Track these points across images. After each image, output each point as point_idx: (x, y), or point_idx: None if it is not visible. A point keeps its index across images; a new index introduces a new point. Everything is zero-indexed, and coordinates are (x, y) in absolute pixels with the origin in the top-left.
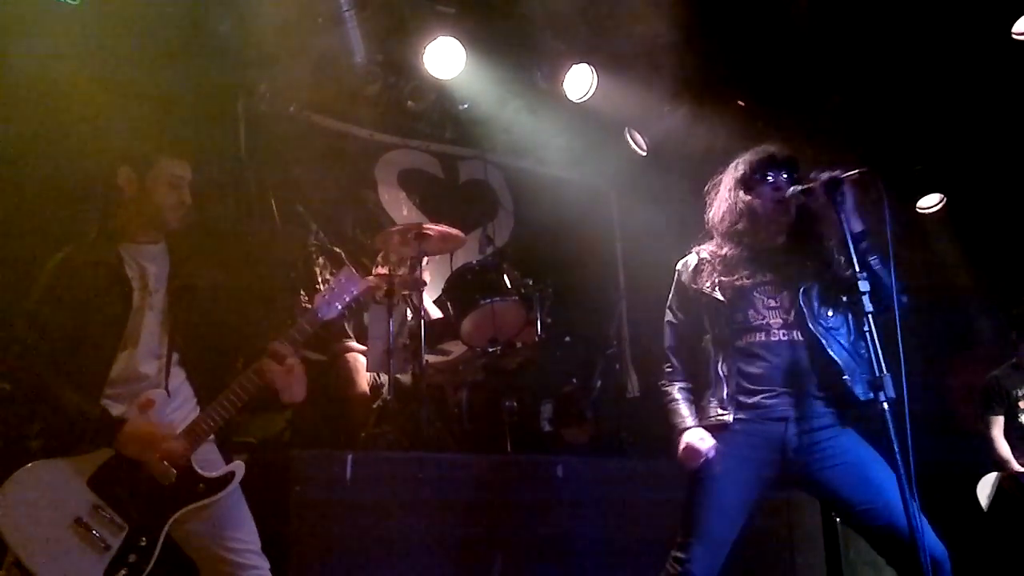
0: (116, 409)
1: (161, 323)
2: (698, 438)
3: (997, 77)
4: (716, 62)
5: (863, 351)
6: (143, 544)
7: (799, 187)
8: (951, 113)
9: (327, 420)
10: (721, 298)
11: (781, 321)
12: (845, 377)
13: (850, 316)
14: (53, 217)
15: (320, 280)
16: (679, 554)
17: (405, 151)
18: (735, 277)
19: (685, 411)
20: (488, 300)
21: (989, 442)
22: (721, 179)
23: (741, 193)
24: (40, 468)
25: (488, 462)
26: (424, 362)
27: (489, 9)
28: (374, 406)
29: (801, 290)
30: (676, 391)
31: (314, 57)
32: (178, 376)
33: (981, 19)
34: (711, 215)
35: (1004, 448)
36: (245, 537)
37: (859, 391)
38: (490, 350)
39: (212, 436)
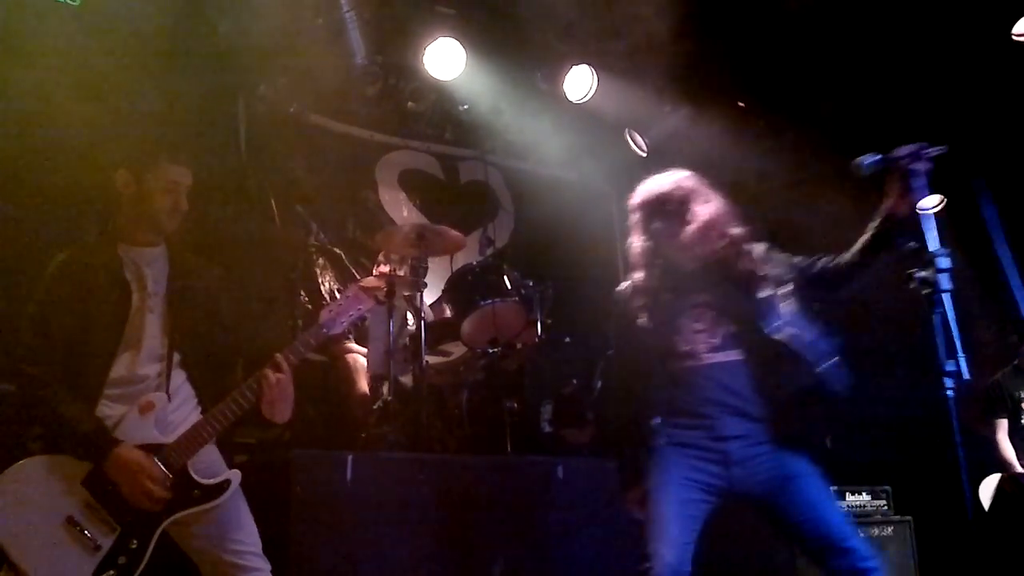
0: (116, 410)
1: (162, 325)
2: (639, 500)
3: (997, 78)
4: (716, 63)
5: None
6: (134, 546)
7: (873, 161)
8: (951, 114)
9: (327, 421)
10: (651, 325)
11: (707, 345)
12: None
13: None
14: (53, 219)
15: (320, 280)
16: (644, 564)
17: (405, 152)
18: (661, 304)
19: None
20: (488, 301)
21: (993, 444)
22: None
23: (645, 239)
24: (35, 464)
25: (488, 463)
26: (424, 363)
27: (489, 10)
28: (374, 407)
29: (727, 310)
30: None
31: (314, 58)
32: (179, 377)
33: (981, 20)
34: (629, 246)
35: (1008, 450)
36: (246, 539)
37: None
38: (490, 351)
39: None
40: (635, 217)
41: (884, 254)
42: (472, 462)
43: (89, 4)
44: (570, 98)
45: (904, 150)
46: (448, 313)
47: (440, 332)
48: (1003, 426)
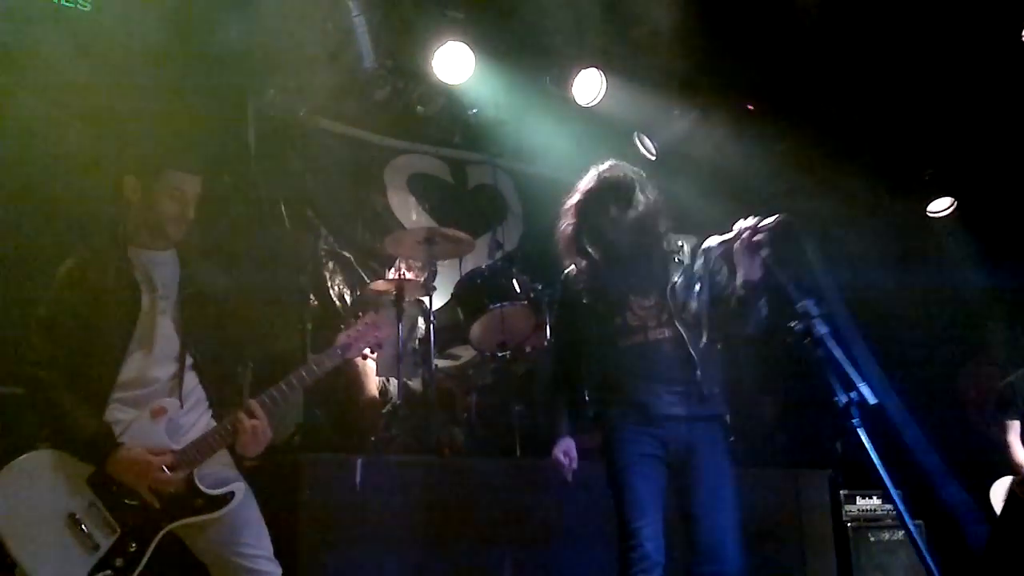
0: (128, 414)
1: (175, 327)
2: (563, 451)
3: (1007, 81)
4: (725, 66)
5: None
6: (132, 550)
7: (719, 242)
8: (962, 117)
9: (337, 424)
10: (591, 315)
11: (656, 320)
12: (698, 372)
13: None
14: (63, 224)
15: (329, 284)
16: (629, 541)
17: (414, 156)
18: (603, 289)
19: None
20: (497, 305)
21: (1004, 447)
22: (571, 197)
23: (583, 229)
24: (42, 458)
25: (498, 466)
26: (434, 366)
27: (498, 14)
28: (383, 410)
29: (668, 289)
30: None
31: (324, 62)
32: (191, 380)
33: (991, 23)
34: (560, 230)
35: (1020, 453)
36: (257, 543)
37: (706, 391)
38: (499, 354)
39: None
40: (580, 199)
41: (749, 317)
42: (481, 465)
43: (98, 10)
44: (579, 102)
45: (741, 225)
46: (457, 317)
47: (449, 336)
48: (1015, 428)
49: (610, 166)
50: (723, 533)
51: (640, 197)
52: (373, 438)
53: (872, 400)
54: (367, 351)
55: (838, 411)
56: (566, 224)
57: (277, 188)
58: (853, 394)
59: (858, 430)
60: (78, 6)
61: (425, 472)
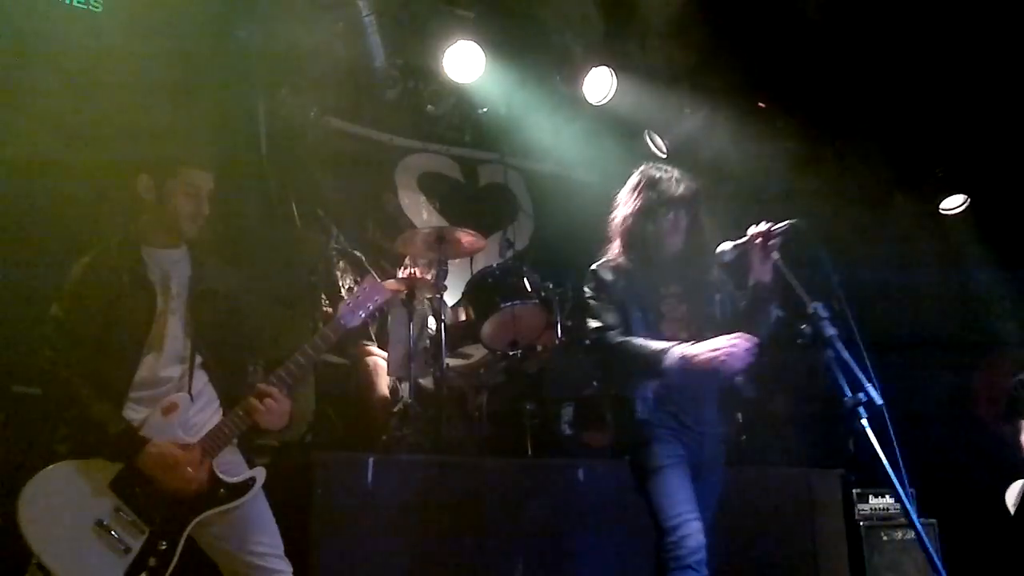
0: (140, 413)
1: (184, 327)
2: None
3: (1021, 74)
4: (736, 64)
5: None
6: (163, 548)
7: (732, 246)
8: (974, 112)
9: (348, 423)
10: (634, 309)
11: (688, 334)
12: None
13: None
14: (78, 223)
15: (341, 283)
16: (670, 538)
17: (425, 155)
18: (644, 288)
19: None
20: (508, 303)
21: (1017, 448)
22: (635, 184)
23: (655, 217)
24: (63, 469)
25: (509, 465)
26: (445, 365)
27: (508, 13)
28: (394, 409)
29: (703, 301)
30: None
31: (334, 62)
32: (201, 379)
33: (1005, 17)
34: (614, 221)
35: None
36: (268, 541)
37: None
38: (510, 353)
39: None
40: (651, 195)
41: (761, 320)
42: (492, 464)
43: (110, 11)
44: (589, 100)
45: (754, 230)
46: (468, 315)
47: (460, 335)
48: None
49: (684, 175)
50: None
51: (702, 214)
52: (384, 437)
53: (879, 401)
54: (367, 317)
55: (846, 411)
56: (627, 215)
57: (288, 187)
58: (861, 394)
59: (866, 430)
60: (90, 7)
61: (436, 471)
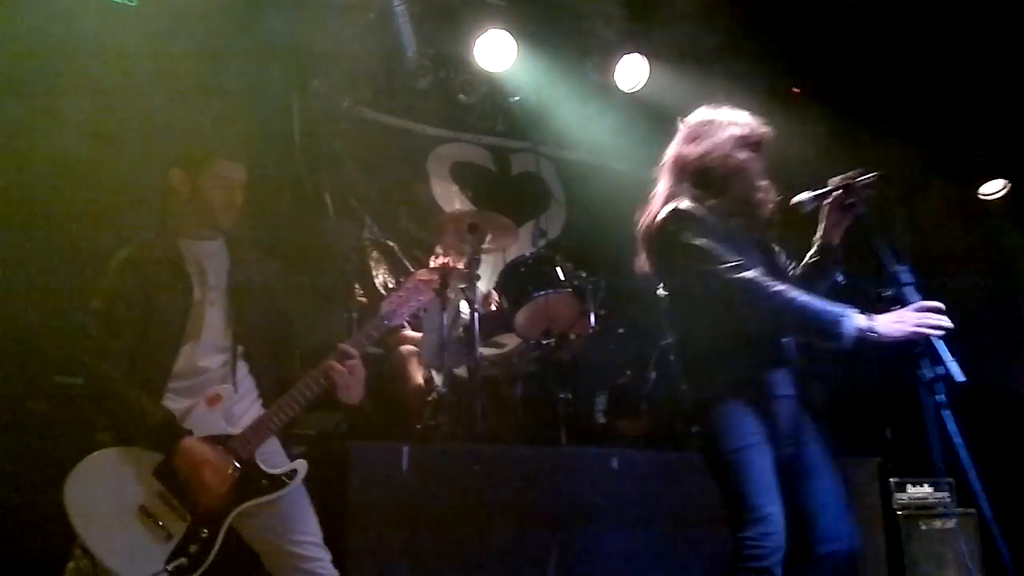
0: (181, 403)
1: (224, 317)
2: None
3: None
4: (770, 50)
5: None
6: (204, 535)
7: (812, 196)
8: (1016, 94)
9: (383, 413)
10: (749, 251)
11: None
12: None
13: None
14: (116, 216)
15: (374, 273)
16: (750, 532)
17: (457, 144)
18: (734, 234)
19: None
20: (542, 292)
21: None
22: (716, 120)
23: (741, 154)
24: (109, 455)
25: (543, 454)
26: (478, 355)
27: (540, 1)
28: (429, 399)
29: (774, 253)
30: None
31: (366, 53)
32: (242, 369)
33: None
34: (695, 151)
35: None
36: (307, 529)
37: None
38: (544, 342)
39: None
40: (764, 131)
41: (821, 283)
42: (526, 453)
43: (144, 5)
44: (622, 87)
45: (837, 181)
46: (501, 305)
47: (494, 324)
48: None
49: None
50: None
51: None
52: (419, 426)
53: (960, 378)
54: (409, 316)
55: (922, 384)
56: (713, 149)
57: (322, 178)
58: (940, 369)
59: (941, 408)
60: (126, 1)
61: (471, 460)
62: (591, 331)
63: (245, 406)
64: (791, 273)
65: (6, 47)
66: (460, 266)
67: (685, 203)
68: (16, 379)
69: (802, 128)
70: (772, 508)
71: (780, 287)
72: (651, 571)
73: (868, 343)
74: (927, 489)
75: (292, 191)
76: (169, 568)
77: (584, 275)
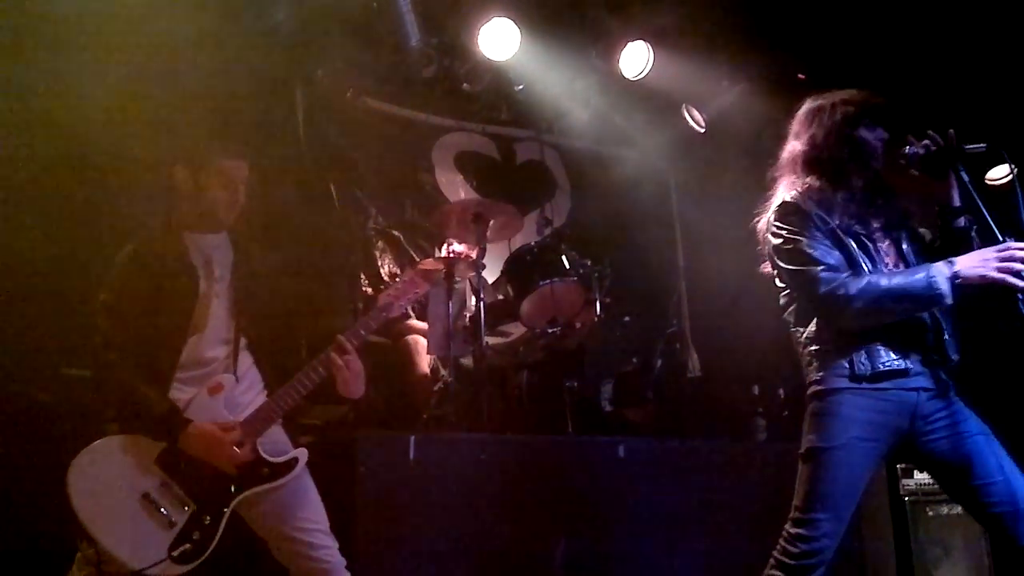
0: (186, 393)
1: (228, 309)
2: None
3: None
4: (775, 35)
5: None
6: (207, 522)
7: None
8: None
9: (389, 402)
10: (851, 244)
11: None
12: (946, 337)
13: None
14: (123, 212)
15: (379, 263)
16: (802, 530)
17: (461, 133)
18: (852, 220)
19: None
20: (547, 281)
21: None
22: (823, 105)
23: (858, 130)
24: (111, 443)
25: (549, 442)
26: (484, 344)
27: None
28: (435, 388)
29: (904, 237)
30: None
31: (370, 42)
32: (246, 360)
33: None
34: (808, 141)
35: None
36: (314, 517)
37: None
38: (550, 331)
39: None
40: (850, 109)
41: (963, 248)
42: (533, 442)
43: None
44: (626, 75)
45: (939, 139)
46: (507, 294)
47: (499, 313)
48: None
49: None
50: (1016, 480)
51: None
52: (425, 415)
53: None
54: (407, 307)
55: None
56: (825, 135)
57: (326, 168)
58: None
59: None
60: None
61: (477, 448)
62: (597, 319)
63: (250, 397)
64: (935, 246)
65: (8, 43)
66: (474, 255)
67: (791, 194)
68: (24, 370)
69: None
70: (822, 515)
71: (859, 284)
72: (658, 558)
73: (964, 287)
74: None
75: (296, 182)
76: (173, 555)
77: (590, 263)
